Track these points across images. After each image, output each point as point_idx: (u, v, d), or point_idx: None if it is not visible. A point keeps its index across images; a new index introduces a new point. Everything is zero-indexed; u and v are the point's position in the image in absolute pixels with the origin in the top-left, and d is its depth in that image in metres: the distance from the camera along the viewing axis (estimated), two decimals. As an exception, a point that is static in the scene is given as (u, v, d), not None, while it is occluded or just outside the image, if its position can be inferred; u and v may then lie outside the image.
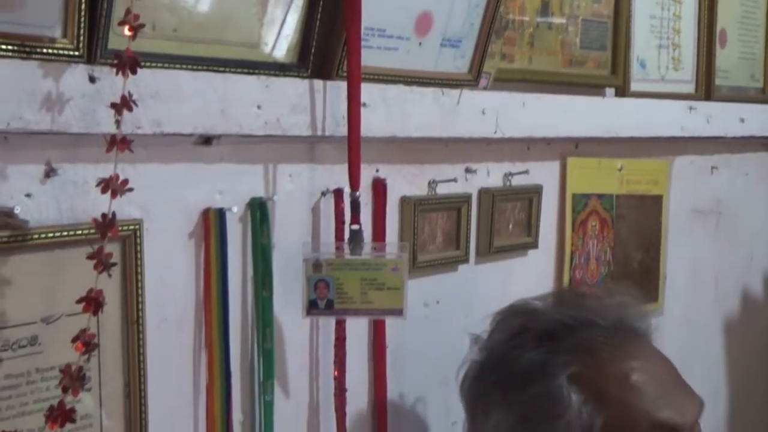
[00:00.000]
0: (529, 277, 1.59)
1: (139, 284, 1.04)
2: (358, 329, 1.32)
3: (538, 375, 1.12)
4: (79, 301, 0.92)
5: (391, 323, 1.36)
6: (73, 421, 0.92)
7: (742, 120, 2.01)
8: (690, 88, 1.94)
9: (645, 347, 1.18)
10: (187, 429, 1.13)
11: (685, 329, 2.03)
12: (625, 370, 1.13)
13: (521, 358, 1.14)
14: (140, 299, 1.04)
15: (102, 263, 0.92)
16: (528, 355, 1.14)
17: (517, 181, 1.56)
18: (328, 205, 1.25)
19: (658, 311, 1.93)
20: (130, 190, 0.94)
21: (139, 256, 1.03)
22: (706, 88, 1.97)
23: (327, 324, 1.27)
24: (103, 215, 0.92)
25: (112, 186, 0.92)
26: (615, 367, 1.13)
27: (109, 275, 0.93)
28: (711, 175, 2.12)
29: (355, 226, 1.19)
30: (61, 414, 0.91)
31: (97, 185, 0.93)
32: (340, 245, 1.20)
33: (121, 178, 0.93)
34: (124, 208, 1.02)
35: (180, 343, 1.12)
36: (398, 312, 1.20)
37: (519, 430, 1.13)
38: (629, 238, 1.86)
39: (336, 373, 1.28)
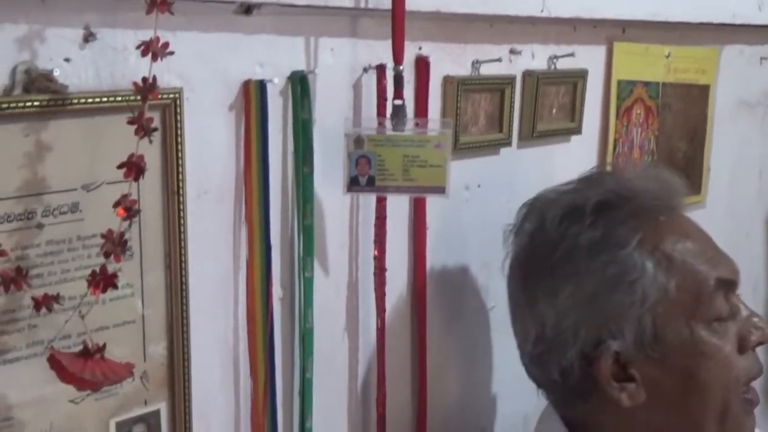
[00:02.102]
0: (571, 163, 1.56)
1: (180, 154, 1.03)
2: (398, 209, 1.30)
3: (606, 245, 1.11)
4: (120, 167, 0.91)
5: (431, 205, 1.35)
6: (115, 286, 0.92)
7: (795, 8, 1.94)
8: (743, -26, 1.88)
9: (683, 216, 1.19)
10: (227, 302, 1.13)
11: (728, 222, 2.00)
12: (682, 233, 1.14)
13: (583, 233, 1.12)
14: (181, 169, 1.03)
15: (143, 128, 0.90)
16: (590, 229, 1.12)
17: (562, 64, 1.53)
18: (369, 82, 1.23)
19: (700, 204, 1.90)
20: (171, 53, 0.92)
21: (179, 125, 1.02)
22: (760, -27, 1.90)
23: (367, 202, 1.26)
24: (144, 79, 0.91)
25: (153, 49, 0.90)
26: (673, 230, 1.14)
27: (150, 141, 0.92)
28: (760, 66, 2.06)
29: (398, 101, 1.16)
30: (103, 279, 0.91)
31: (137, 48, 0.91)
32: (382, 121, 1.18)
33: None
34: (164, 76, 1.00)
35: (220, 217, 1.11)
36: (440, 190, 1.18)
37: (594, 301, 1.11)
38: (674, 128, 1.82)
39: (376, 252, 1.27)
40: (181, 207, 1.04)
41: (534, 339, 1.15)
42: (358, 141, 1.16)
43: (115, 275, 0.91)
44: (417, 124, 1.19)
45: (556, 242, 1.14)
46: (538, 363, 1.17)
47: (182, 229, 1.05)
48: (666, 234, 1.13)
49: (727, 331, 1.11)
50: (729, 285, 1.13)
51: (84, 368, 0.89)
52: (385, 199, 1.25)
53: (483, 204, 1.44)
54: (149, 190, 1.02)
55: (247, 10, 1.07)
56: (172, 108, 1.01)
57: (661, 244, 1.12)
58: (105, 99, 0.95)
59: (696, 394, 1.11)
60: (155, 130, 0.92)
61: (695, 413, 1.11)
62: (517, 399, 1.53)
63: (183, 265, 1.06)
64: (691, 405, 1.11)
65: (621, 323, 1.10)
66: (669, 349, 1.11)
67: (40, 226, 0.94)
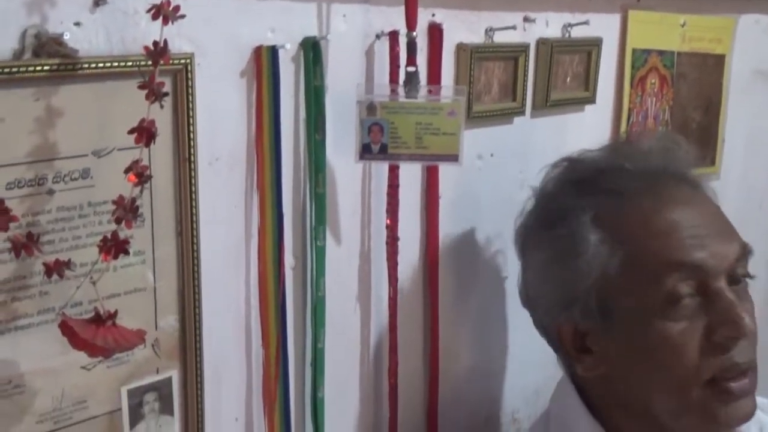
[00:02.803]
0: (584, 133, 1.55)
1: (191, 120, 1.02)
2: (411, 178, 1.30)
3: (564, 217, 1.14)
4: (131, 132, 0.91)
5: (444, 174, 1.34)
6: (126, 253, 0.92)
7: (813, -23, 1.92)
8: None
9: (680, 192, 1.15)
10: (239, 270, 1.13)
11: (742, 194, 1.98)
12: (647, 212, 1.11)
13: (555, 203, 1.18)
14: (192, 136, 1.02)
15: (154, 93, 0.90)
16: (561, 199, 1.17)
17: (576, 32, 1.51)
18: (382, 48, 1.21)
19: (715, 175, 1.89)
20: (182, 17, 0.91)
21: (190, 91, 1.01)
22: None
23: (380, 171, 1.25)
24: (155, 42, 0.90)
25: (164, 12, 0.89)
26: (638, 208, 1.12)
27: (161, 106, 0.92)
28: (776, 36, 2.04)
29: (411, 68, 1.15)
30: (114, 245, 0.90)
31: (148, 11, 0.90)
32: (395, 88, 1.17)
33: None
34: (175, 41, 0.99)
35: (231, 184, 1.10)
36: (453, 158, 1.17)
37: (548, 269, 1.16)
38: (689, 98, 1.81)
39: (388, 221, 1.26)
40: (193, 174, 1.04)
41: (523, 296, 1.24)
42: (371, 108, 1.15)
43: (126, 241, 0.91)
44: (430, 91, 1.18)
45: (538, 209, 1.21)
46: (532, 318, 1.24)
47: (194, 197, 1.04)
48: (629, 210, 1.12)
49: (686, 316, 1.07)
50: (694, 269, 1.08)
51: (96, 335, 0.89)
52: (397, 167, 1.24)
53: (496, 173, 1.43)
54: (160, 157, 1.01)
55: (259, -26, 1.06)
56: (183, 73, 1.00)
57: (615, 220, 1.11)
58: (116, 63, 0.94)
59: (647, 377, 1.09)
60: (166, 94, 0.92)
61: (649, 396, 1.10)
62: (530, 371, 1.53)
63: (194, 232, 1.05)
64: (644, 387, 1.10)
65: (570, 296, 1.12)
66: (617, 326, 1.11)
67: (50, 192, 0.93)
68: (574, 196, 1.15)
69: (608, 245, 1.10)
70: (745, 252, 1.12)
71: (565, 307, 1.13)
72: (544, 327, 1.21)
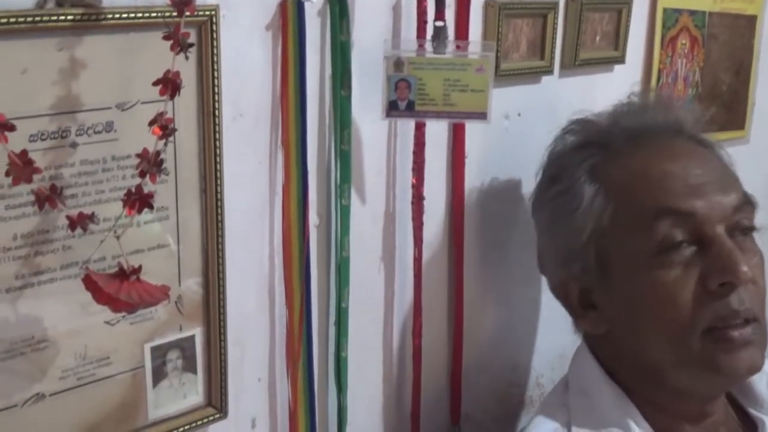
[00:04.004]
0: (613, 93, 1.50)
1: (216, 74, 1.00)
2: (437, 136, 1.28)
3: (563, 174, 1.16)
4: (155, 83, 0.90)
5: (471, 134, 1.32)
6: (150, 207, 0.91)
7: None
8: None
9: (677, 145, 1.15)
10: (263, 228, 1.12)
11: (770, 158, 1.96)
12: (641, 163, 1.12)
13: (557, 162, 1.20)
14: (217, 90, 1.01)
15: (179, 43, 0.88)
16: (563, 159, 1.19)
17: (606, -10, 1.49)
18: (409, 3, 1.19)
19: (743, 138, 1.87)
20: (208, -35, 0.89)
21: (215, 44, 1.00)
22: None
23: (406, 129, 1.24)
24: (180, -8, 0.88)
25: (189, -40, 0.87)
26: (632, 159, 1.13)
27: (186, 57, 0.90)
28: (809, -3, 2.00)
29: (439, 23, 1.14)
30: (139, 198, 0.89)
31: (173, -40, 0.88)
32: (423, 43, 1.15)
33: (198, -46, 0.88)
34: (200, -7, 0.98)
35: (256, 140, 1.09)
36: (482, 116, 1.16)
37: (549, 228, 1.19)
38: (719, 60, 1.78)
39: (414, 180, 1.25)
40: (217, 129, 1.03)
41: (538, 259, 1.26)
42: (398, 64, 1.13)
43: (150, 195, 0.90)
44: (458, 47, 1.17)
45: (542, 173, 1.23)
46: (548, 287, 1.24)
47: (218, 152, 1.03)
48: (623, 161, 1.13)
49: (680, 264, 1.06)
50: (687, 216, 1.07)
51: (120, 289, 0.88)
52: (424, 125, 1.23)
53: (523, 133, 1.41)
54: (184, 112, 1.00)
55: (285, -75, 1.04)
56: (208, 26, 0.99)
57: (609, 172, 1.12)
58: (140, 14, 0.93)
59: (645, 329, 1.09)
60: (191, 45, 0.90)
61: (650, 349, 1.10)
62: (555, 335, 1.52)
63: (219, 189, 1.04)
64: (644, 341, 1.10)
65: (571, 252, 1.13)
66: (616, 280, 1.11)
67: (74, 145, 0.92)
68: (573, 154, 1.17)
69: (602, 197, 1.11)
70: (747, 202, 1.11)
71: (567, 265, 1.15)
72: (554, 289, 1.21)
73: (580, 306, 1.16)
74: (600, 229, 1.11)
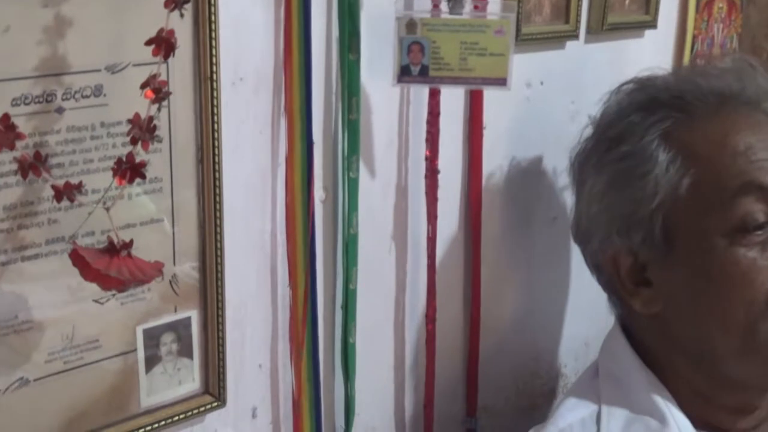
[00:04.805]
0: (644, 60, 1.50)
1: (213, 34, 1.00)
2: (453, 105, 1.28)
3: (630, 134, 1.12)
4: (148, 43, 0.89)
5: (489, 102, 1.32)
6: (143, 176, 0.90)
7: None
8: None
9: (755, 118, 1.12)
10: (265, 203, 1.12)
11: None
12: (723, 131, 1.09)
13: (619, 123, 1.14)
14: (214, 51, 1.00)
15: (173, -1, 0.88)
16: (626, 119, 1.14)
17: (637, -52, 1.48)
18: (423, -40, 1.19)
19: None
20: None
21: (212, 1, 0.99)
22: None
23: (419, 96, 1.23)
24: (174, -57, 0.87)
25: None
26: (713, 127, 1.10)
27: (181, 14, 0.89)
28: None
29: (456, -19, 1.13)
30: (130, 167, 0.89)
31: None
32: (438, 2, 1.14)
33: None
34: (196, -54, 0.97)
35: (257, 107, 1.09)
36: (501, 82, 1.15)
37: (609, 192, 1.13)
38: (759, 25, 1.77)
39: (427, 152, 1.25)
40: (215, 95, 1.02)
41: (575, 230, 1.20)
42: (411, 25, 1.12)
43: (143, 164, 0.90)
44: (476, 7, 1.16)
45: (598, 132, 1.18)
46: (583, 256, 1.21)
47: (216, 120, 1.02)
48: (701, 127, 1.09)
49: (758, 245, 1.04)
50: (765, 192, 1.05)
51: (109, 265, 0.87)
52: (438, 92, 1.22)
53: (545, 103, 1.41)
54: (179, 75, 0.99)
55: None
56: (205, -19, 0.98)
57: (688, 137, 1.09)
58: (131, -32, 0.92)
59: (710, 312, 1.07)
60: (187, 1, 0.89)
61: (712, 335, 1.08)
62: (580, 321, 1.51)
63: (216, 159, 1.03)
64: (706, 325, 1.08)
65: (632, 220, 1.10)
66: (682, 255, 1.08)
67: (60, 110, 0.92)
68: (640, 114, 1.13)
69: (679, 164, 1.08)
70: None
71: (624, 234, 1.11)
72: (597, 261, 1.18)
73: (631, 281, 1.13)
74: (672, 198, 1.08)
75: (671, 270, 1.09)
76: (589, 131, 1.20)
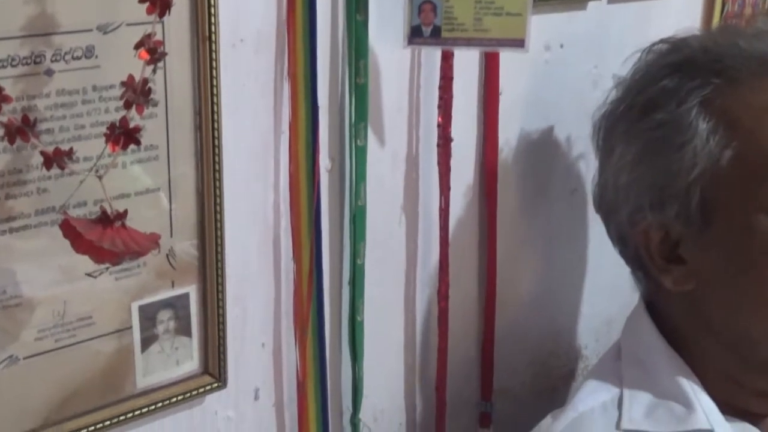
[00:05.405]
0: (671, 22, 1.50)
1: (212, -8, 0.99)
2: (467, 69, 1.27)
3: (666, 101, 1.09)
4: (142, 1, 0.88)
5: (505, 66, 1.31)
6: (137, 143, 0.90)
7: None
8: None
9: None
10: (267, 172, 1.11)
11: None
12: (766, 101, 1.07)
13: (652, 87, 1.12)
14: (213, 10, 1.00)
15: (169, -46, 0.87)
16: (660, 83, 1.11)
17: None
18: None
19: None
20: None
21: (211, -44, 0.98)
22: None
23: (431, 60, 1.23)
24: None
25: None
26: (756, 96, 1.07)
27: (178, -30, 0.89)
28: None
29: (470, -65, 1.12)
30: (124, 133, 0.88)
31: None
32: (451, -42, 1.13)
33: None
34: None
35: (258, 70, 1.08)
36: (519, 43, 1.14)
37: (642, 162, 1.11)
38: (793, -15, 1.75)
39: (440, 119, 1.24)
40: (214, 57, 1.01)
41: (599, 200, 1.19)
42: (422, -17, 1.12)
43: (137, 129, 0.89)
44: (492, -36, 1.15)
45: (628, 96, 1.15)
46: (606, 228, 1.19)
47: (215, 83, 1.02)
48: (744, 94, 1.07)
49: None
50: None
51: (102, 236, 0.87)
52: (452, 55, 1.21)
53: (566, 67, 1.40)
54: (176, 36, 0.99)
55: None
56: (203, -64, 0.97)
57: (730, 106, 1.06)
58: None
59: (747, 293, 1.06)
60: (183, -44, 0.89)
61: (748, 317, 1.07)
62: (601, 299, 1.51)
63: (216, 125, 1.03)
64: (742, 306, 1.07)
65: (667, 193, 1.08)
66: (720, 232, 1.07)
67: (49, 72, 0.91)
68: (676, 78, 1.10)
69: (721, 135, 1.06)
70: None
71: (658, 207, 1.09)
72: (623, 233, 1.16)
73: (662, 258, 1.12)
74: (712, 171, 1.06)
75: (707, 247, 1.08)
76: (616, 93, 1.18)
